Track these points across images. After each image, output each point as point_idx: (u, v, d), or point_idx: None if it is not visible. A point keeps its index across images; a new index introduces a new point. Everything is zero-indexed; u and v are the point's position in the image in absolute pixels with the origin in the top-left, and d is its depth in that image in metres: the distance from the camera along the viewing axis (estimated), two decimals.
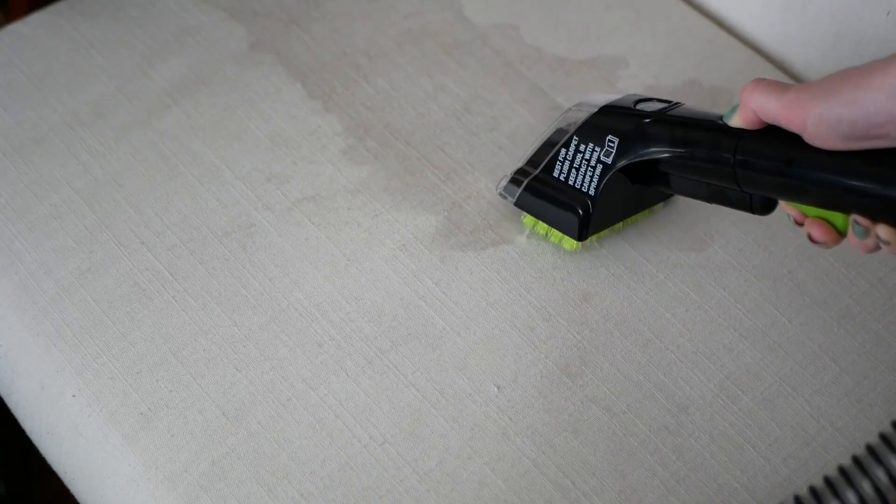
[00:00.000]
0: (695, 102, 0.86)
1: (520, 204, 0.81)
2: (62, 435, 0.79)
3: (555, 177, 0.79)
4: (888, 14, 0.87)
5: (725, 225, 0.83)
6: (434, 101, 0.91)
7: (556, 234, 0.81)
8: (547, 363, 0.77)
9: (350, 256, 0.82)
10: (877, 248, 0.64)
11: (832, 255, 0.82)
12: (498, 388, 0.76)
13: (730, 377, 0.77)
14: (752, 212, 0.71)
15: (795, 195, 0.65)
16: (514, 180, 0.82)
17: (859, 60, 0.90)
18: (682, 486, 0.72)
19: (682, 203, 0.84)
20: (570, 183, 0.79)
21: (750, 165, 0.67)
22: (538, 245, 0.82)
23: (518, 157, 0.87)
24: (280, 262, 0.82)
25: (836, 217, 0.65)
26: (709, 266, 0.82)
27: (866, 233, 0.63)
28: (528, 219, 0.82)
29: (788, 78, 0.93)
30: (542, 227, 0.81)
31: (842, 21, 0.90)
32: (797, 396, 0.76)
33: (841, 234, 0.66)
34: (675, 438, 0.74)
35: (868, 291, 0.80)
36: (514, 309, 0.80)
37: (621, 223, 0.82)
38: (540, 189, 0.80)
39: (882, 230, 0.62)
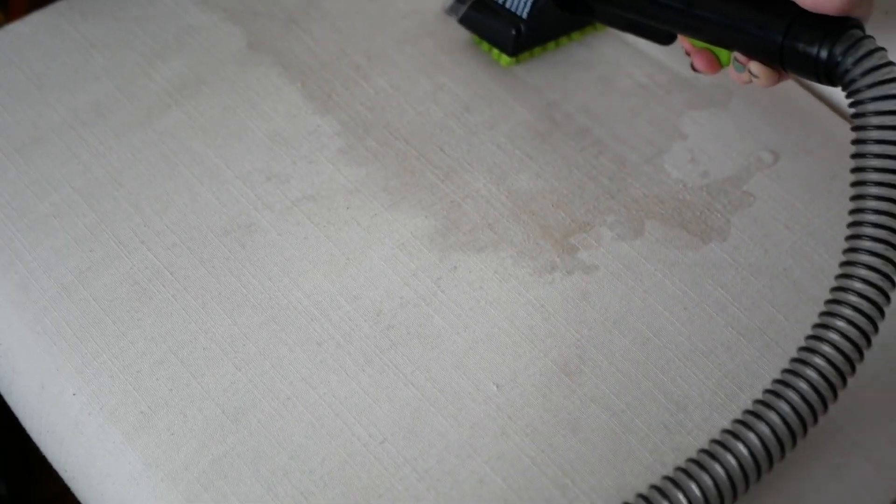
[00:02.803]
0: None
1: (463, 22, 0.93)
2: (62, 433, 0.79)
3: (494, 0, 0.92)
4: (886, 14, 0.87)
5: (721, 222, 0.84)
6: (433, 101, 0.91)
7: (495, 52, 0.93)
8: (546, 362, 0.77)
9: (349, 255, 0.83)
10: (750, 81, 0.75)
11: (828, 253, 0.82)
12: (497, 386, 0.77)
13: (728, 375, 0.77)
14: (659, 42, 0.83)
15: (690, 30, 0.77)
16: (461, 0, 0.92)
17: None
18: None
19: (678, 201, 0.85)
20: (507, 6, 0.91)
21: (658, 2, 0.78)
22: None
23: (516, 156, 0.87)
24: (280, 261, 0.82)
25: (721, 52, 0.78)
26: (706, 264, 0.82)
27: (743, 68, 0.75)
28: (474, 37, 0.95)
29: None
30: (486, 45, 0.93)
31: None
32: None
33: (721, 65, 0.78)
34: (674, 437, 0.74)
35: None
36: (513, 307, 0.80)
37: (553, 43, 0.94)
38: (481, 9, 0.92)
39: (754, 66, 0.74)
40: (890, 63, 0.68)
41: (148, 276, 0.82)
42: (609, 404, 0.76)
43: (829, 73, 0.70)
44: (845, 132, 0.89)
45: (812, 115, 0.91)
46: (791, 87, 0.92)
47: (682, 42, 0.80)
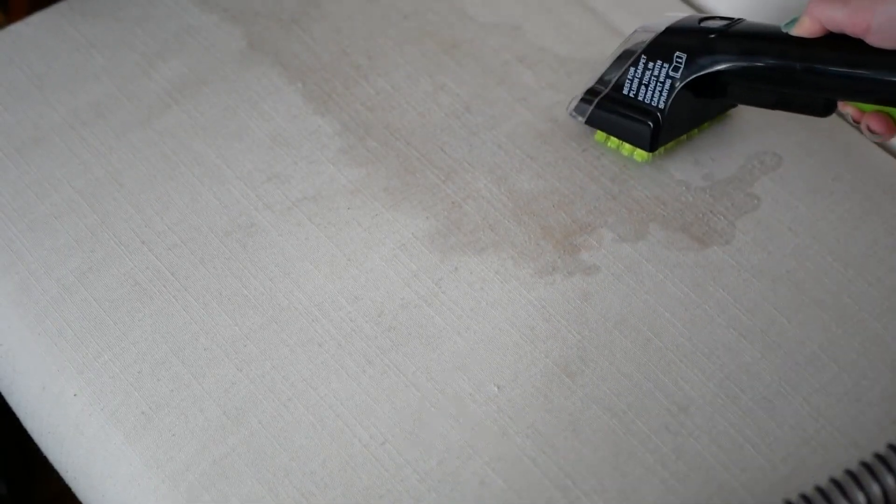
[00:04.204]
0: None
1: (591, 122, 0.86)
2: (63, 434, 0.79)
3: (625, 94, 0.84)
4: None
5: (724, 224, 0.84)
6: (434, 101, 0.91)
7: (627, 147, 0.86)
8: (547, 363, 0.77)
9: (350, 256, 0.83)
10: None
11: (831, 255, 0.82)
12: (498, 387, 0.77)
13: (729, 377, 0.77)
14: (815, 114, 0.77)
15: (858, 95, 0.72)
16: (585, 100, 0.86)
17: None
18: (681, 486, 0.73)
19: (680, 203, 0.85)
20: (640, 99, 0.84)
21: (816, 71, 0.73)
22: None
23: (517, 156, 0.87)
24: (280, 261, 0.82)
25: (894, 110, 0.72)
26: (708, 266, 0.82)
27: None
28: (599, 135, 0.87)
29: None
30: (614, 141, 0.87)
31: None
32: (796, 396, 0.76)
33: None
34: (675, 438, 0.74)
35: (867, 291, 0.81)
36: (514, 308, 0.80)
37: (685, 135, 0.87)
38: (611, 106, 0.85)
39: None
40: None
41: (149, 277, 0.82)
42: (610, 405, 0.76)
43: None
44: (847, 134, 0.90)
45: (814, 118, 0.90)
46: None
47: (846, 108, 0.75)
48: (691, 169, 0.87)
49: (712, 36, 0.80)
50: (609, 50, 0.88)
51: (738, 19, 0.82)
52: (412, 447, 0.74)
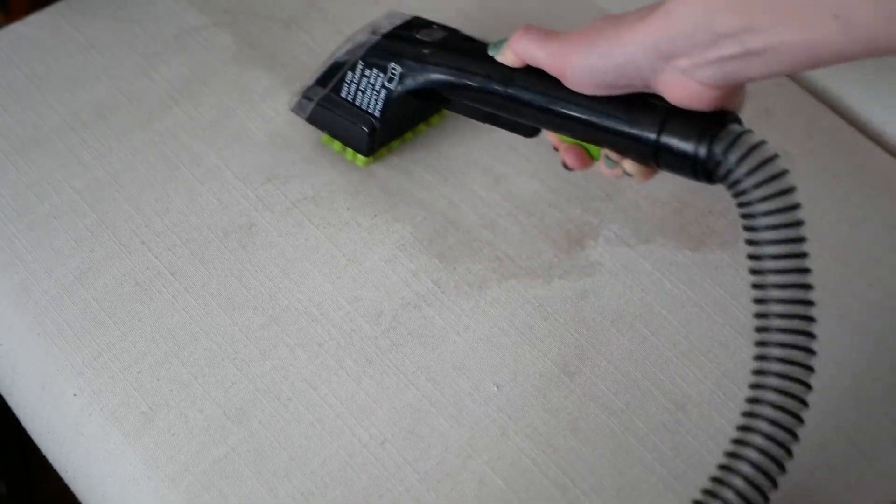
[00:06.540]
0: None
1: (311, 120, 0.87)
2: (63, 434, 0.79)
3: (343, 97, 0.85)
4: None
5: (721, 223, 0.84)
6: None
7: (349, 152, 0.87)
8: (545, 362, 0.78)
9: (350, 256, 0.83)
10: (624, 176, 0.72)
11: (830, 255, 0.82)
12: (497, 387, 0.77)
13: (727, 374, 0.77)
14: (523, 135, 0.78)
15: (556, 128, 0.73)
16: (307, 97, 0.86)
17: (859, 61, 0.90)
18: (680, 484, 0.73)
19: (678, 202, 0.85)
20: (357, 104, 0.85)
21: (518, 99, 0.73)
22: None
23: (515, 157, 0.87)
24: (280, 262, 0.82)
25: (593, 147, 0.73)
26: (705, 264, 0.82)
27: (615, 165, 0.72)
28: (324, 137, 0.88)
29: (785, 77, 0.93)
30: (338, 144, 0.87)
31: None
32: None
33: (593, 159, 0.74)
34: (674, 436, 0.74)
35: (866, 290, 0.81)
36: (513, 308, 0.80)
37: (411, 133, 0.88)
38: (329, 108, 0.86)
39: (628, 164, 0.71)
40: (775, 156, 0.63)
41: (149, 277, 0.82)
42: (608, 404, 0.76)
43: (710, 172, 0.65)
44: (848, 134, 0.90)
45: (815, 118, 0.91)
46: (792, 88, 0.92)
47: (550, 137, 0.76)
48: None
49: (426, 51, 0.81)
50: None
51: (455, 30, 0.83)
52: (412, 447, 0.74)
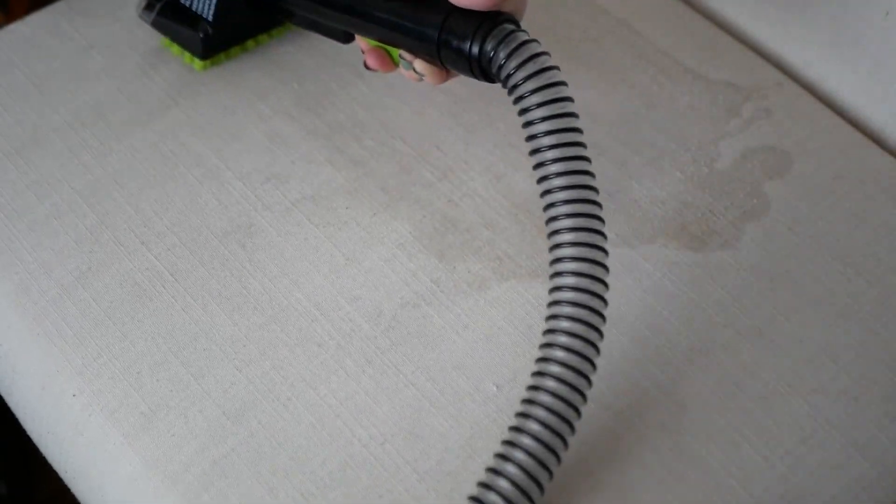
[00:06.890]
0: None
1: (156, 26, 0.91)
2: (63, 434, 0.79)
3: (181, 3, 0.90)
4: (887, 14, 0.87)
5: (722, 223, 0.84)
6: (430, 100, 0.91)
7: (187, 55, 0.92)
8: None
9: (349, 256, 0.83)
10: (420, 78, 0.76)
11: (831, 255, 0.82)
12: (497, 386, 0.77)
13: (727, 375, 0.77)
14: (338, 40, 0.83)
15: (357, 29, 0.78)
16: (150, 5, 0.91)
17: (858, 60, 0.90)
18: (680, 484, 0.73)
19: (679, 202, 0.85)
20: (193, 9, 0.90)
21: (328, 4, 0.79)
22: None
23: (513, 155, 0.87)
24: (279, 261, 0.82)
25: (394, 50, 0.77)
26: (706, 265, 0.82)
27: (409, 65, 0.76)
28: (164, 40, 0.93)
29: (785, 77, 0.93)
30: (176, 48, 0.92)
31: (841, 21, 0.90)
32: (794, 395, 0.76)
33: (395, 63, 0.78)
34: (673, 436, 0.74)
35: (866, 290, 0.81)
36: (512, 307, 0.80)
37: (253, 42, 0.93)
38: (169, 12, 0.90)
39: (419, 64, 0.75)
40: (544, 52, 0.69)
41: (148, 277, 0.82)
42: (609, 404, 0.76)
43: (485, 69, 0.71)
44: (849, 134, 0.90)
45: (815, 117, 0.91)
46: (793, 88, 0.92)
47: (359, 41, 0.80)
48: (690, 168, 0.87)
49: None
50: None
51: None
52: (412, 447, 0.74)
